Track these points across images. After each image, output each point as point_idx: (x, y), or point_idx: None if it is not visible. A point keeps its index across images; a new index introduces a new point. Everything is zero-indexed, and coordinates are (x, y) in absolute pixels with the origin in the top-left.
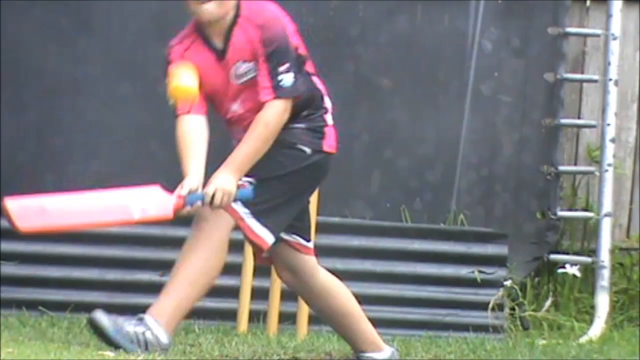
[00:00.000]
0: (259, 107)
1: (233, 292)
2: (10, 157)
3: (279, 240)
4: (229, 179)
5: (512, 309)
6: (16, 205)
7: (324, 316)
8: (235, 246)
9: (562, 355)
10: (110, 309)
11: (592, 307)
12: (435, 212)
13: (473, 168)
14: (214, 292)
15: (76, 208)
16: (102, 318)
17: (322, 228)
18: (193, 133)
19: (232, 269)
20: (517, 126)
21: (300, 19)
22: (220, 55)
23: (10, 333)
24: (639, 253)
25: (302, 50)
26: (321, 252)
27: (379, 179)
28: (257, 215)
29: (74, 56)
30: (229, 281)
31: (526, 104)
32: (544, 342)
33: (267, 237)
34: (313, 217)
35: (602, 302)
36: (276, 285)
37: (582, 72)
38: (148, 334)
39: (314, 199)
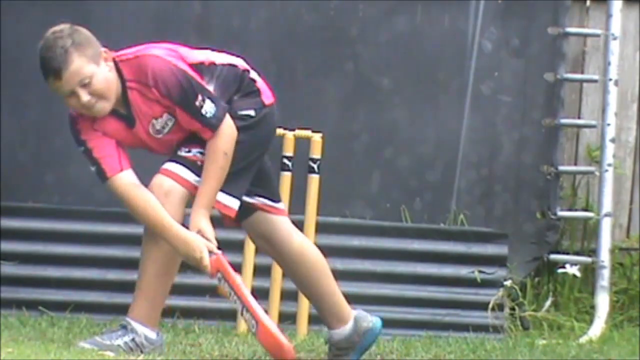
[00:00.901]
0: (199, 139)
1: None
2: (10, 157)
3: (247, 210)
4: (208, 220)
5: (512, 309)
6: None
7: (300, 285)
8: (235, 246)
9: (562, 355)
10: (110, 309)
11: (592, 307)
12: (435, 212)
13: (473, 168)
14: (214, 292)
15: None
16: (85, 345)
17: (322, 228)
18: (139, 188)
19: None
20: (517, 126)
21: (300, 19)
22: (129, 121)
23: (10, 333)
24: (639, 253)
25: (196, 58)
26: (321, 252)
27: (379, 179)
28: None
29: None
30: None
31: (526, 104)
32: (544, 342)
33: (232, 204)
34: (313, 217)
35: (602, 302)
36: (276, 285)
37: (582, 72)
38: (138, 339)
39: (314, 198)
